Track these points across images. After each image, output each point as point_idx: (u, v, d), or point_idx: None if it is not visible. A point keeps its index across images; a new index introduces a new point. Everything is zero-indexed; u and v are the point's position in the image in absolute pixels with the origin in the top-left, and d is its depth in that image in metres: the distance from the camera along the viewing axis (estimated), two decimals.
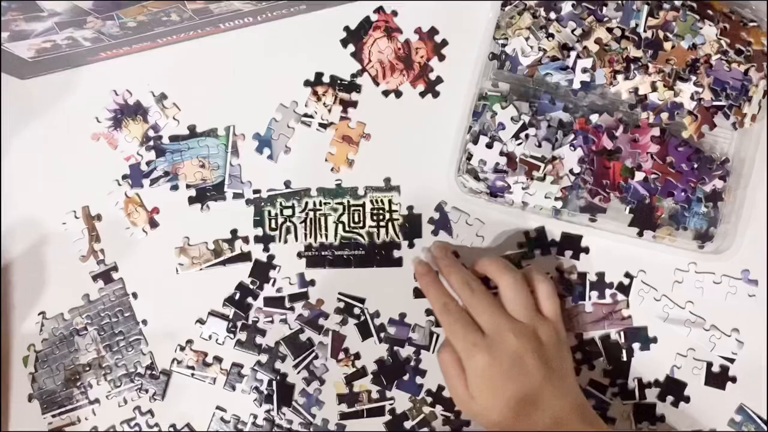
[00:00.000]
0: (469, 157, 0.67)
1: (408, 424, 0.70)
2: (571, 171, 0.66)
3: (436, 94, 0.71)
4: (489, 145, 0.67)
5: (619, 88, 0.66)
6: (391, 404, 0.70)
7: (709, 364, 0.68)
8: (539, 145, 0.66)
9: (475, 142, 0.67)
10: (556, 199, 0.66)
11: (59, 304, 0.72)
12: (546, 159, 0.66)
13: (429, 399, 0.70)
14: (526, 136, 0.66)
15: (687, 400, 0.68)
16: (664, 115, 0.66)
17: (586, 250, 0.69)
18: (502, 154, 0.67)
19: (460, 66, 0.70)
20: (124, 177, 0.72)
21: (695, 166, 0.66)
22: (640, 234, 0.67)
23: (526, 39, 0.66)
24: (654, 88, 0.65)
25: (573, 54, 0.66)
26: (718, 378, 0.68)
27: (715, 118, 0.66)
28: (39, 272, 0.72)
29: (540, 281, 0.64)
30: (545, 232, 0.70)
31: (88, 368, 0.71)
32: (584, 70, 0.66)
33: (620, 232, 0.67)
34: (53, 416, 0.71)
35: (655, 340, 0.69)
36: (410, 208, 0.70)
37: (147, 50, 0.71)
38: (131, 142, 0.72)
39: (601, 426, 0.62)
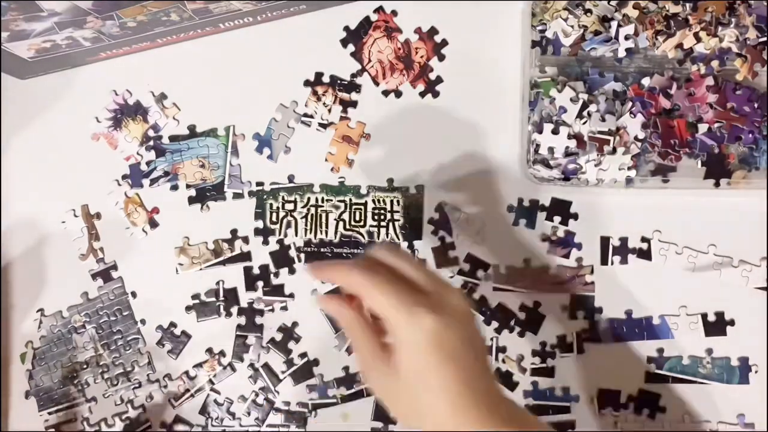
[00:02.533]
0: (537, 147, 0.67)
1: None
2: (636, 138, 0.67)
3: (436, 94, 0.71)
4: (555, 131, 0.67)
5: (664, 47, 0.67)
6: None
7: (704, 315, 0.68)
8: (603, 120, 0.67)
9: (540, 131, 0.67)
10: (629, 168, 0.67)
11: (58, 302, 0.71)
12: (612, 131, 0.67)
13: None
14: (589, 113, 0.67)
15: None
16: (714, 63, 0.68)
17: (575, 216, 0.69)
18: (569, 137, 0.67)
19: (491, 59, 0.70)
20: (124, 177, 0.72)
21: (756, 105, 0.67)
22: (717, 184, 0.68)
23: (565, 20, 0.68)
24: (698, 39, 0.67)
25: (614, 24, 0.67)
26: (717, 326, 0.68)
27: (765, 54, 0.67)
28: (38, 270, 0.71)
29: None
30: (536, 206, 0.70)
31: (85, 366, 0.71)
32: (627, 37, 0.67)
33: (696, 187, 0.68)
34: (50, 413, 0.71)
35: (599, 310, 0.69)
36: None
37: (147, 50, 0.71)
38: (131, 142, 0.72)
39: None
